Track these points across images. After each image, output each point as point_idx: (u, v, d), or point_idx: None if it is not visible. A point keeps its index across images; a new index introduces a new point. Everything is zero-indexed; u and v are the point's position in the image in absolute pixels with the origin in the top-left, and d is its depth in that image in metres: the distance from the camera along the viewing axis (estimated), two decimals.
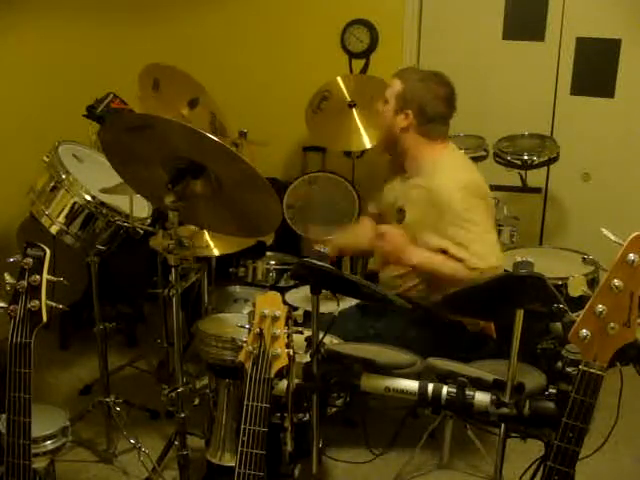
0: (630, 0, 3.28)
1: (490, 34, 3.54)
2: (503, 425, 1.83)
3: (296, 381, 1.88)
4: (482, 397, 1.81)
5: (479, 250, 2.25)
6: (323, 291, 1.89)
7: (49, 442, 2.08)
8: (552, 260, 2.81)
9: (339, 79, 3.40)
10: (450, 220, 2.28)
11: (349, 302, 2.46)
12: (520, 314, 1.74)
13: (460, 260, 2.26)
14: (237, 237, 2.52)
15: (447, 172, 2.33)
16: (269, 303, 1.63)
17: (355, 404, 2.13)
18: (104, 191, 2.37)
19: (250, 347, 1.61)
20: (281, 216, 2.08)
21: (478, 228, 2.27)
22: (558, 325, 2.01)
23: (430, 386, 1.86)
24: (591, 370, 1.38)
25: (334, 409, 2.09)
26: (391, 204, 2.51)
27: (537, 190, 3.38)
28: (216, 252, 2.60)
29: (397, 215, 2.47)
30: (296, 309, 2.39)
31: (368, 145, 3.30)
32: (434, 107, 2.36)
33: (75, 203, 2.34)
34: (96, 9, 3.58)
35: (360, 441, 2.56)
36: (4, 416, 1.65)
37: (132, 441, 2.50)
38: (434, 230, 2.32)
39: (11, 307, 1.64)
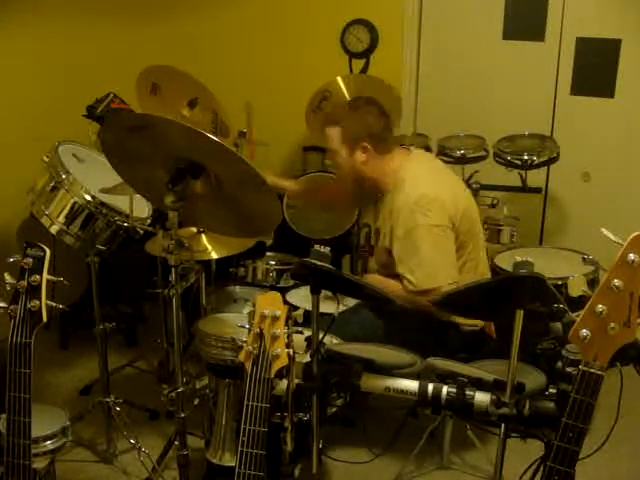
0: (630, 0, 3.28)
1: (490, 34, 3.54)
2: (503, 425, 1.83)
3: (296, 381, 1.88)
4: (482, 397, 1.81)
5: (415, 272, 2.26)
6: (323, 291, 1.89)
7: (49, 442, 2.08)
8: (552, 260, 2.81)
9: (339, 79, 3.40)
10: (397, 236, 2.31)
11: (349, 302, 2.46)
12: (520, 314, 1.73)
13: (405, 279, 2.29)
14: (236, 237, 2.52)
15: (402, 189, 2.33)
16: (269, 303, 1.63)
17: (355, 404, 2.13)
18: (104, 191, 2.37)
19: (250, 347, 1.61)
20: (281, 216, 2.08)
21: (418, 251, 2.26)
22: (558, 325, 2.01)
23: (430, 386, 1.86)
24: (591, 370, 1.38)
25: (334, 409, 2.09)
26: (373, 228, 2.54)
27: (537, 190, 3.38)
28: (214, 255, 2.60)
29: (375, 237, 2.51)
30: (296, 309, 2.40)
31: None
32: (378, 125, 2.35)
33: (75, 203, 2.34)
34: (96, 9, 3.58)
35: (360, 441, 2.56)
36: (4, 416, 1.65)
37: (132, 441, 2.50)
38: (394, 247, 2.33)
39: (11, 307, 1.64)
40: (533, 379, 1.92)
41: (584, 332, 1.37)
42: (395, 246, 2.33)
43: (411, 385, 1.88)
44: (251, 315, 1.64)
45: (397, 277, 2.34)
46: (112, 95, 3.00)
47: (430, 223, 2.25)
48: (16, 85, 3.28)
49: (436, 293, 2.20)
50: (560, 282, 2.47)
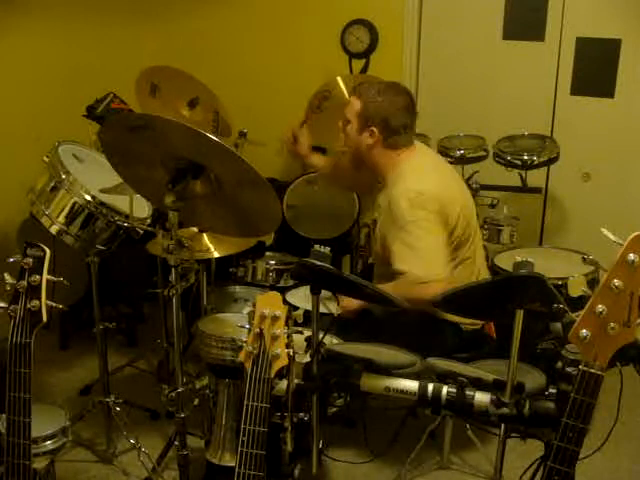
0: (630, 0, 3.28)
1: (490, 34, 3.53)
2: (503, 425, 1.84)
3: (296, 381, 1.88)
4: (482, 397, 1.81)
5: (419, 263, 2.25)
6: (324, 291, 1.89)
7: (49, 442, 2.08)
8: (552, 260, 2.81)
9: (339, 79, 3.40)
10: (396, 230, 2.30)
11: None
12: (520, 314, 1.74)
13: (402, 272, 2.27)
14: (237, 237, 2.52)
15: (403, 180, 2.33)
16: (269, 303, 1.63)
17: (355, 404, 2.13)
18: (104, 191, 2.37)
19: (250, 347, 1.61)
20: (281, 216, 2.08)
21: (412, 245, 2.26)
22: (558, 325, 2.01)
23: (430, 386, 1.86)
24: (591, 370, 1.38)
25: (334, 409, 2.09)
26: (371, 217, 2.55)
27: (537, 190, 3.37)
28: (216, 254, 2.60)
29: (372, 226, 2.51)
30: (296, 309, 2.40)
31: None
32: (397, 119, 2.33)
33: (75, 203, 2.34)
34: (96, 9, 3.58)
35: (360, 441, 2.56)
36: (4, 416, 1.65)
37: (132, 441, 2.50)
38: (390, 239, 2.33)
39: (11, 307, 1.64)
40: (533, 379, 1.92)
41: (584, 332, 1.37)
42: (390, 238, 2.33)
43: (411, 385, 1.88)
44: (251, 315, 1.64)
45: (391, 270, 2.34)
46: (112, 95, 3.00)
47: (427, 218, 2.25)
48: (16, 85, 3.27)
49: (426, 287, 2.20)
50: (560, 282, 2.47)
